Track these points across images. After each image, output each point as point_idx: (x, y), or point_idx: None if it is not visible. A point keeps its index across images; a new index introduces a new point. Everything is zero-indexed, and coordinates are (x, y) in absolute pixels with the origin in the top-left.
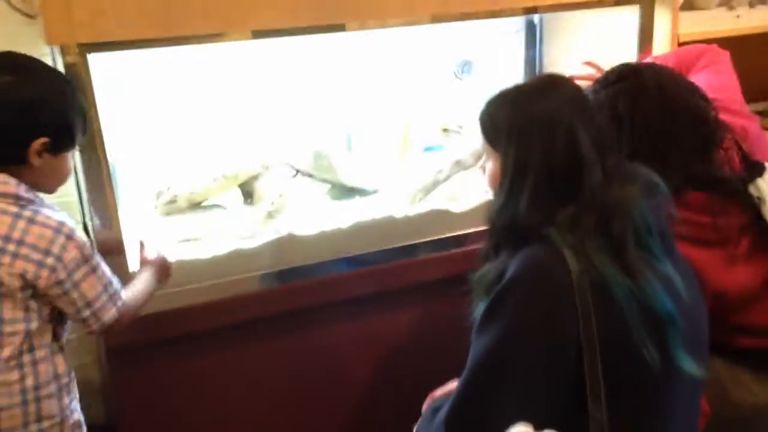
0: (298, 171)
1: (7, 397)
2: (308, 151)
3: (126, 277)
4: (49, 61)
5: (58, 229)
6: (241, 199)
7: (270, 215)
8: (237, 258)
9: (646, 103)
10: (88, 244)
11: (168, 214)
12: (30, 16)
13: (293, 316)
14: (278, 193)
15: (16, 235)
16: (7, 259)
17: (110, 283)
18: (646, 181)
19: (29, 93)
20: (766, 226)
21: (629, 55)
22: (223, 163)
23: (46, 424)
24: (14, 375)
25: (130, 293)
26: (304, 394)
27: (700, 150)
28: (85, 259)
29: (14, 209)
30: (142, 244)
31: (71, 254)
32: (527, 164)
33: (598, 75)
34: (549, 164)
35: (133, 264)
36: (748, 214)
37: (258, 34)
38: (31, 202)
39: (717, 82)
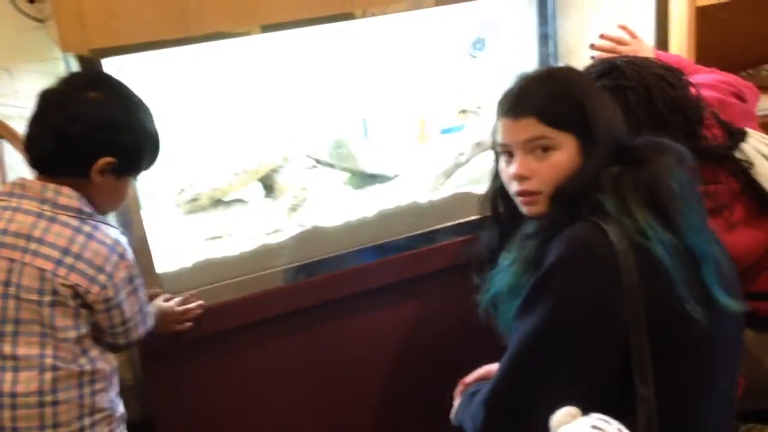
0: (317, 161)
1: (66, 392)
2: (327, 139)
3: (152, 278)
4: (61, 66)
5: (113, 247)
6: (262, 192)
7: (293, 208)
8: (264, 253)
9: (628, 99)
10: (135, 264)
11: (191, 212)
12: (39, 20)
13: (322, 308)
14: (299, 186)
15: (74, 248)
16: (63, 271)
17: (145, 304)
18: (677, 152)
19: (111, 113)
20: (759, 189)
21: (646, 28)
22: (243, 158)
23: (98, 416)
24: (74, 373)
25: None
26: (335, 386)
27: (684, 131)
28: (131, 280)
29: (75, 223)
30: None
31: (121, 274)
32: (607, 133)
33: (629, 39)
34: (613, 135)
35: (158, 265)
36: (739, 180)
37: (267, 27)
38: (90, 216)
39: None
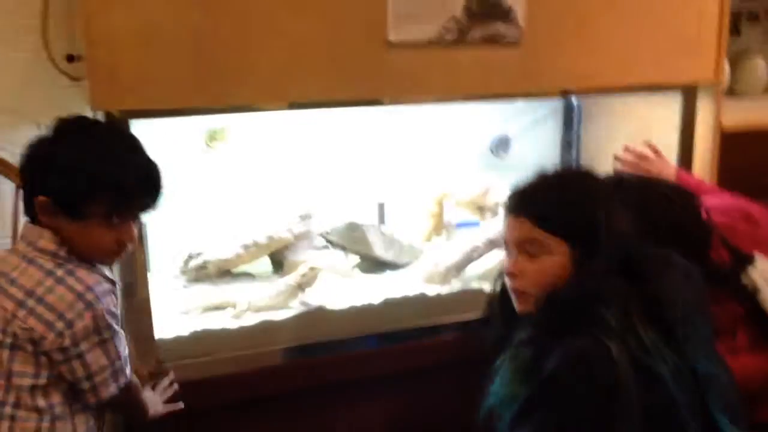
0: (330, 242)
1: None
2: (342, 222)
3: (150, 344)
4: None
5: (82, 294)
6: (271, 267)
7: (300, 287)
8: (264, 330)
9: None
10: (108, 314)
11: (197, 280)
12: (75, 79)
13: (320, 391)
14: (308, 265)
15: (39, 291)
16: (22, 314)
17: (118, 359)
18: (684, 268)
19: (51, 151)
20: (765, 315)
21: (669, 145)
22: (255, 231)
23: None
24: (29, 428)
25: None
26: None
27: (687, 253)
28: (98, 331)
29: (50, 266)
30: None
31: (84, 323)
32: (607, 246)
33: (653, 156)
34: (620, 247)
35: (158, 330)
36: (744, 305)
37: (295, 105)
38: (67, 260)
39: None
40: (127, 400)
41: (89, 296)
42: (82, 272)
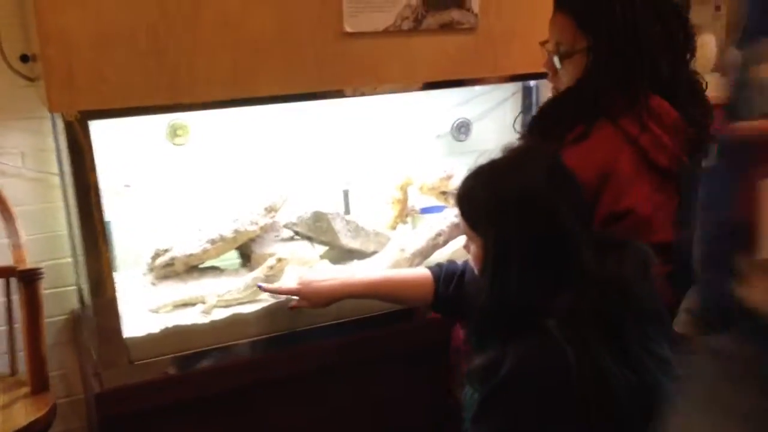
0: (296, 233)
1: None
2: (307, 212)
3: (118, 342)
4: (48, 125)
5: None
6: (239, 261)
7: (268, 279)
8: (235, 323)
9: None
10: None
11: (165, 277)
12: (29, 79)
13: (295, 380)
14: (275, 258)
15: None
16: None
17: None
18: (638, 259)
19: None
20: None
21: None
22: (221, 225)
23: None
24: None
25: None
26: None
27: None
28: None
29: None
30: None
31: None
32: (509, 246)
33: None
34: (531, 244)
35: (128, 328)
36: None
37: (258, 100)
38: None
39: None
40: None
41: None
42: None
